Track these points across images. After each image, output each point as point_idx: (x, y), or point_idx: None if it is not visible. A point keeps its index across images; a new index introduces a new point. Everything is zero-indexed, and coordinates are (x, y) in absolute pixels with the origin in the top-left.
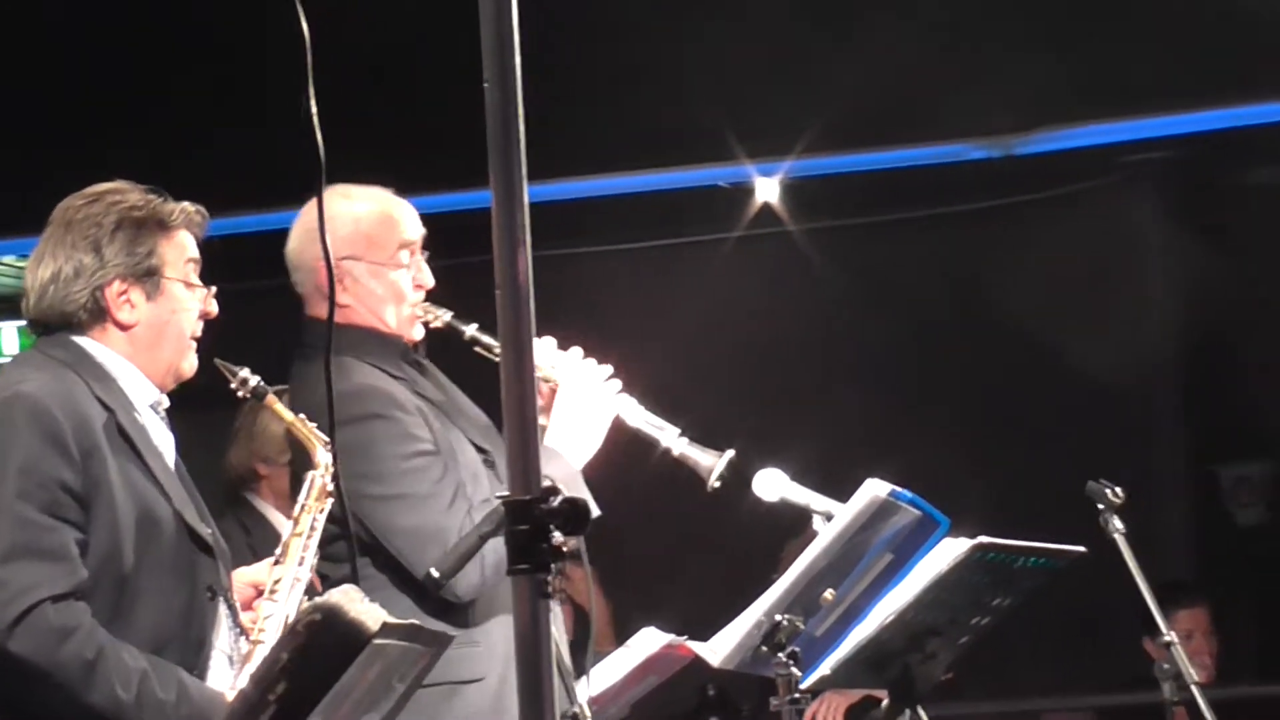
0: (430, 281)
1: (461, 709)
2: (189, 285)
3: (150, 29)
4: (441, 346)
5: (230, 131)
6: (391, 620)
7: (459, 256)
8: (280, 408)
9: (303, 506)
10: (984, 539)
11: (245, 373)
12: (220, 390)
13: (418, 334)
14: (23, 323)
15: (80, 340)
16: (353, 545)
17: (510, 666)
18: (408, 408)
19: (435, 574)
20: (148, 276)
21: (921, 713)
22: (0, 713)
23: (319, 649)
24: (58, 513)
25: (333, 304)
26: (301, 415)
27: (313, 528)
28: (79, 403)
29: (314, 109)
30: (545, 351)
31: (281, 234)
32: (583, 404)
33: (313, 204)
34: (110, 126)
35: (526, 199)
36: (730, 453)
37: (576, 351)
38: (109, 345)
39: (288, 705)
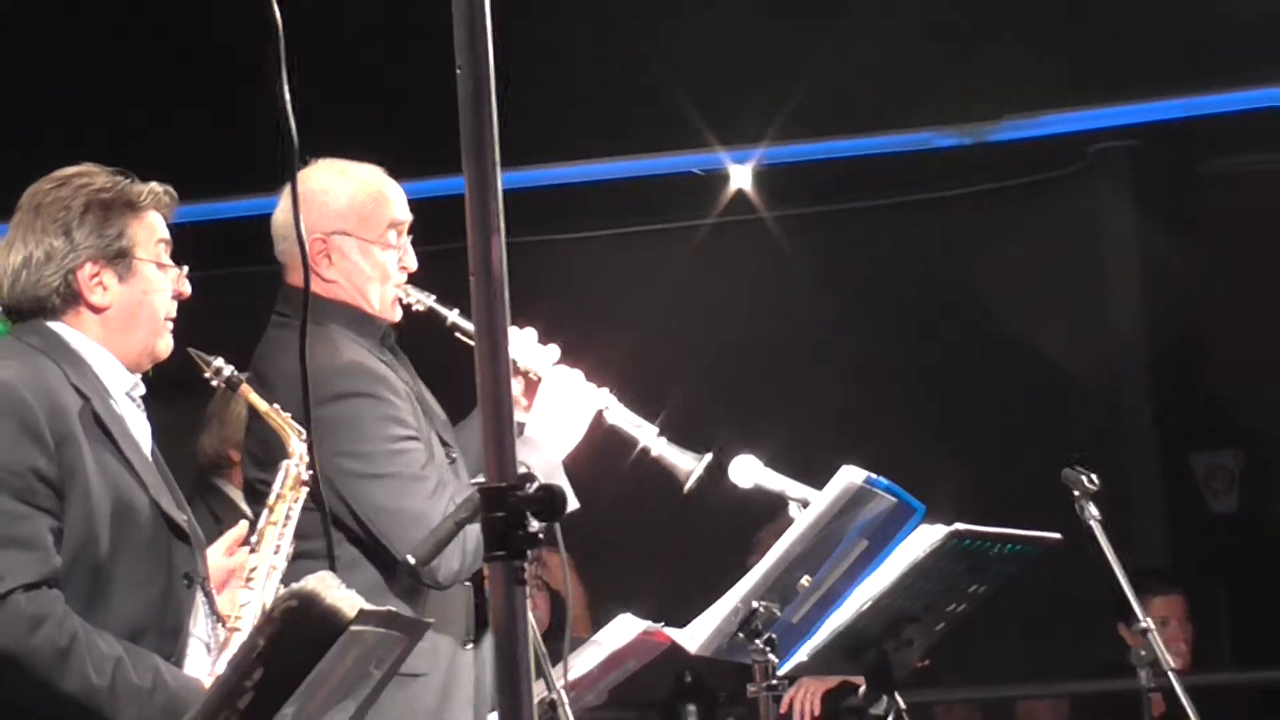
0: (414, 265)
1: (407, 702)
2: (161, 266)
3: (124, 13)
4: (415, 333)
5: (200, 116)
6: (368, 607)
7: (438, 243)
8: (255, 397)
9: (278, 495)
10: (960, 526)
11: (219, 362)
12: (194, 377)
13: (397, 316)
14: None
15: (55, 326)
16: (328, 525)
17: (453, 666)
18: (398, 390)
19: (411, 560)
20: (119, 258)
21: (898, 699)
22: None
23: (295, 635)
24: (32, 500)
25: (307, 274)
26: (276, 405)
27: (288, 516)
28: (54, 390)
29: (286, 92)
30: (527, 344)
31: (254, 220)
32: (564, 396)
33: (302, 176)
34: (79, 113)
35: (500, 186)
36: (708, 456)
37: (553, 351)
38: (83, 330)
39: (264, 691)
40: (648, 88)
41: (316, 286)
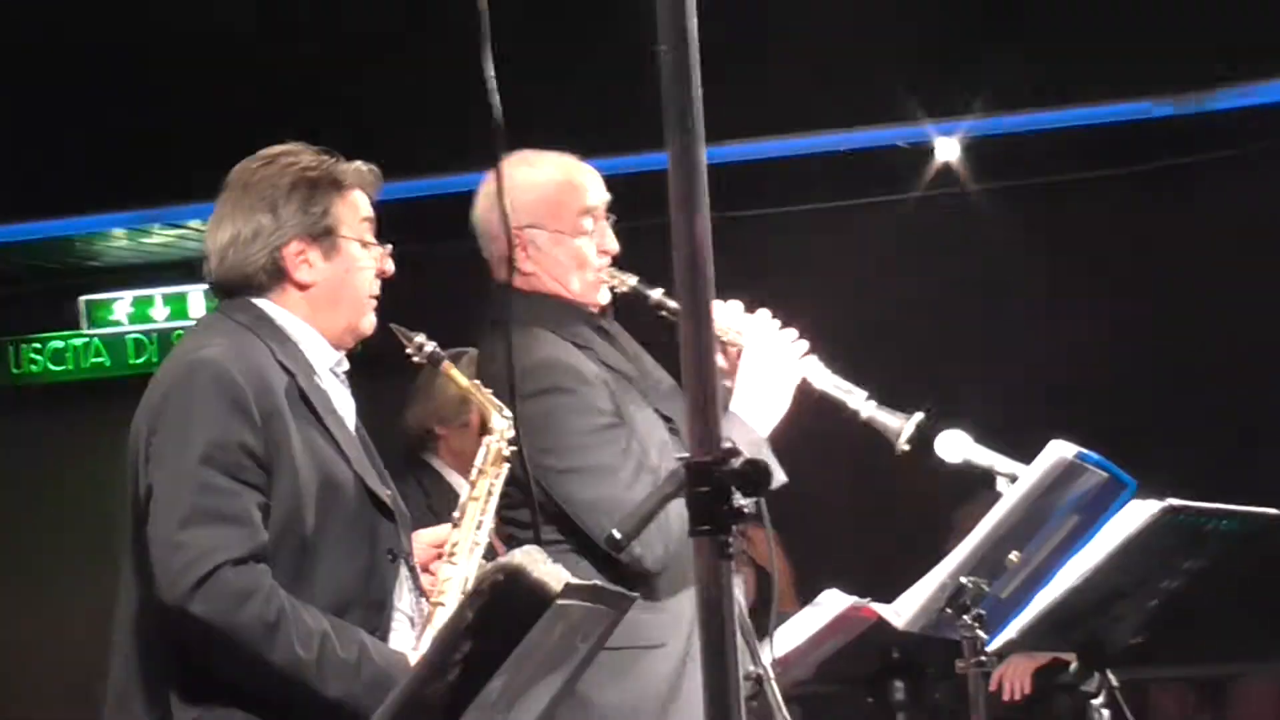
0: (615, 247)
1: (643, 674)
2: (364, 244)
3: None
4: (627, 311)
5: (413, 94)
6: (575, 581)
7: (642, 219)
8: (456, 374)
9: (480, 471)
10: (1174, 501)
11: (421, 338)
12: (398, 354)
13: (603, 298)
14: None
15: (261, 303)
16: (535, 509)
17: (695, 635)
18: (590, 380)
19: (617, 535)
20: (324, 236)
21: (1110, 676)
22: (184, 674)
23: (503, 609)
24: (240, 476)
25: (512, 269)
26: (477, 381)
27: (489, 492)
28: (260, 366)
29: (491, 72)
30: (732, 314)
31: (461, 197)
32: (768, 368)
33: (491, 173)
34: (294, 93)
35: (704, 161)
36: (919, 414)
37: (764, 314)
38: (288, 307)
39: (472, 664)
40: (851, 60)
41: (517, 280)
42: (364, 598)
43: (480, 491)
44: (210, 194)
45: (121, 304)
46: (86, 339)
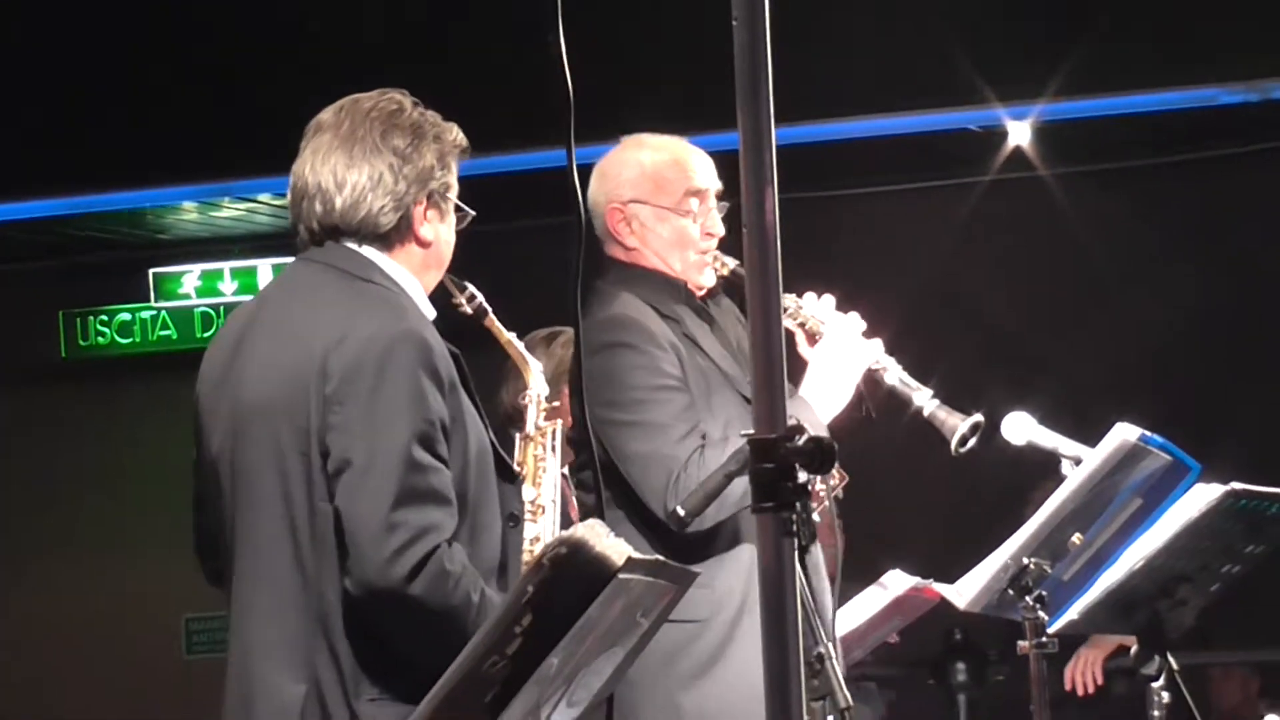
0: (720, 230)
1: (685, 647)
2: (456, 210)
3: None
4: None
5: (490, 68)
6: (636, 555)
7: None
8: (498, 327)
9: (537, 428)
10: (1237, 485)
11: (471, 289)
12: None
13: (707, 280)
14: (280, 260)
15: (371, 254)
16: (598, 475)
17: (742, 611)
18: (660, 342)
19: (681, 511)
20: (443, 198)
21: (1171, 660)
22: (364, 654)
23: (564, 583)
24: (439, 453)
25: (581, 232)
26: (513, 334)
27: (553, 448)
28: (435, 333)
29: (563, 48)
30: (823, 306)
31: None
32: (841, 358)
33: (609, 149)
34: (363, 67)
35: (774, 138)
36: (977, 416)
37: (829, 301)
38: (402, 261)
39: (533, 637)
40: (924, 42)
41: (621, 254)
42: (500, 563)
43: (544, 449)
44: (281, 168)
45: (190, 277)
46: (154, 312)
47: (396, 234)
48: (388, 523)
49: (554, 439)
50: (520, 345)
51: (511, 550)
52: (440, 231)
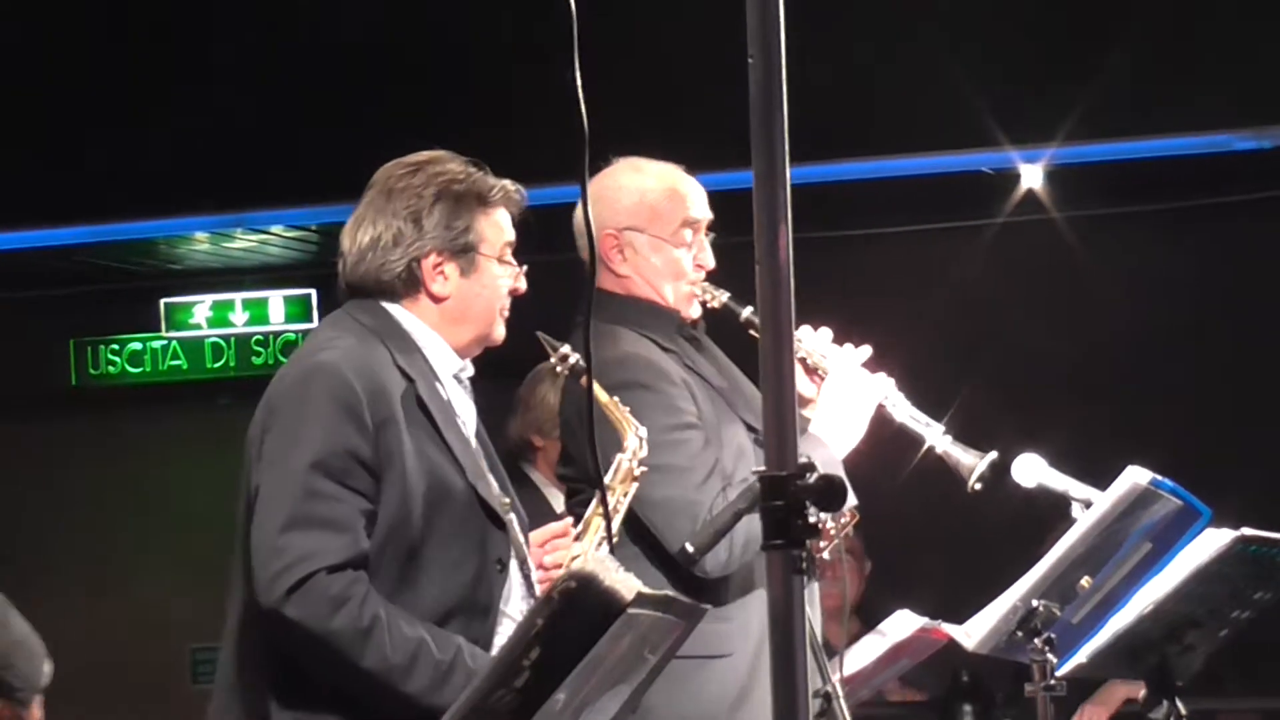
0: (711, 263)
1: (708, 683)
2: (502, 262)
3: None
4: (719, 325)
5: (507, 104)
6: (646, 590)
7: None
8: (598, 388)
9: (608, 487)
10: (1247, 531)
11: (565, 349)
12: (519, 360)
13: (694, 312)
14: (291, 292)
15: (390, 307)
16: (609, 514)
17: (763, 645)
18: (673, 379)
19: (690, 549)
20: (464, 252)
21: (1179, 705)
22: (283, 676)
23: (573, 616)
24: (347, 482)
25: (593, 272)
26: (615, 398)
27: (615, 509)
28: (377, 372)
29: (579, 81)
30: (822, 341)
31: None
32: (850, 394)
33: (599, 175)
34: (381, 102)
35: (788, 176)
36: (992, 455)
37: (852, 347)
38: (418, 314)
39: (541, 671)
40: (936, 85)
41: (611, 283)
42: (469, 605)
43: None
44: (293, 200)
45: (201, 308)
46: (165, 342)
47: (409, 290)
48: (274, 546)
49: (622, 501)
50: (624, 409)
51: (497, 593)
52: (461, 286)
